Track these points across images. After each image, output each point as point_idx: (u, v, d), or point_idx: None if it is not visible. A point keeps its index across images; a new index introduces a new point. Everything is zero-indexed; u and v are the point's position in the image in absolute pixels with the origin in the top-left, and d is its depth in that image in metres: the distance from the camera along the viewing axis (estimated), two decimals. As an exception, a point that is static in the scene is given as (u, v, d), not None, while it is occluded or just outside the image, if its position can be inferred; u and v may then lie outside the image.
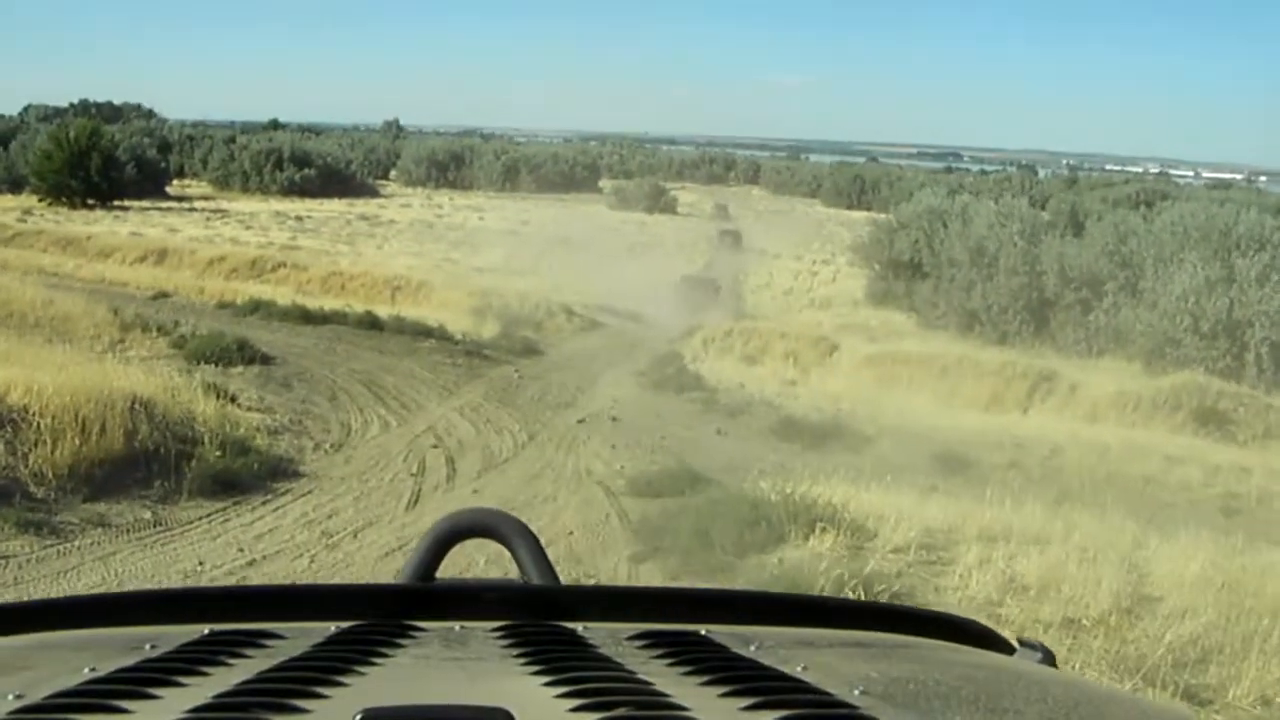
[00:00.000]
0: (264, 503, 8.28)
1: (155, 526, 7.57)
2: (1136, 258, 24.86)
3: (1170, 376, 20.73)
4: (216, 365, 13.70)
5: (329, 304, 20.47)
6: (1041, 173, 77.17)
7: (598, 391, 15.46)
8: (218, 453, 8.63)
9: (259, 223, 42.14)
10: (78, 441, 7.87)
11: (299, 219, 44.24)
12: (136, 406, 8.82)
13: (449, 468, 9.93)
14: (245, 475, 8.64)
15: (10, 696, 0.61)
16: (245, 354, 14.17)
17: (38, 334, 14.79)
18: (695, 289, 31.90)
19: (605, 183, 71.40)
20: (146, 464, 8.17)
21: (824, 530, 6.90)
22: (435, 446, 10.72)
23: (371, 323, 18.25)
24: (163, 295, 21.13)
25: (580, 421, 12.64)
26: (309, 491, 8.73)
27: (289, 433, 10.60)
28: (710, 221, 55.38)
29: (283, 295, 21.29)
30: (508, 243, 39.67)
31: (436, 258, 34.34)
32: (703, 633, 0.83)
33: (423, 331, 18.08)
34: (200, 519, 7.76)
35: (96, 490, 7.78)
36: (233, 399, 11.07)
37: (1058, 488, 11.82)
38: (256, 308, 19.05)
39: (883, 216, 42.58)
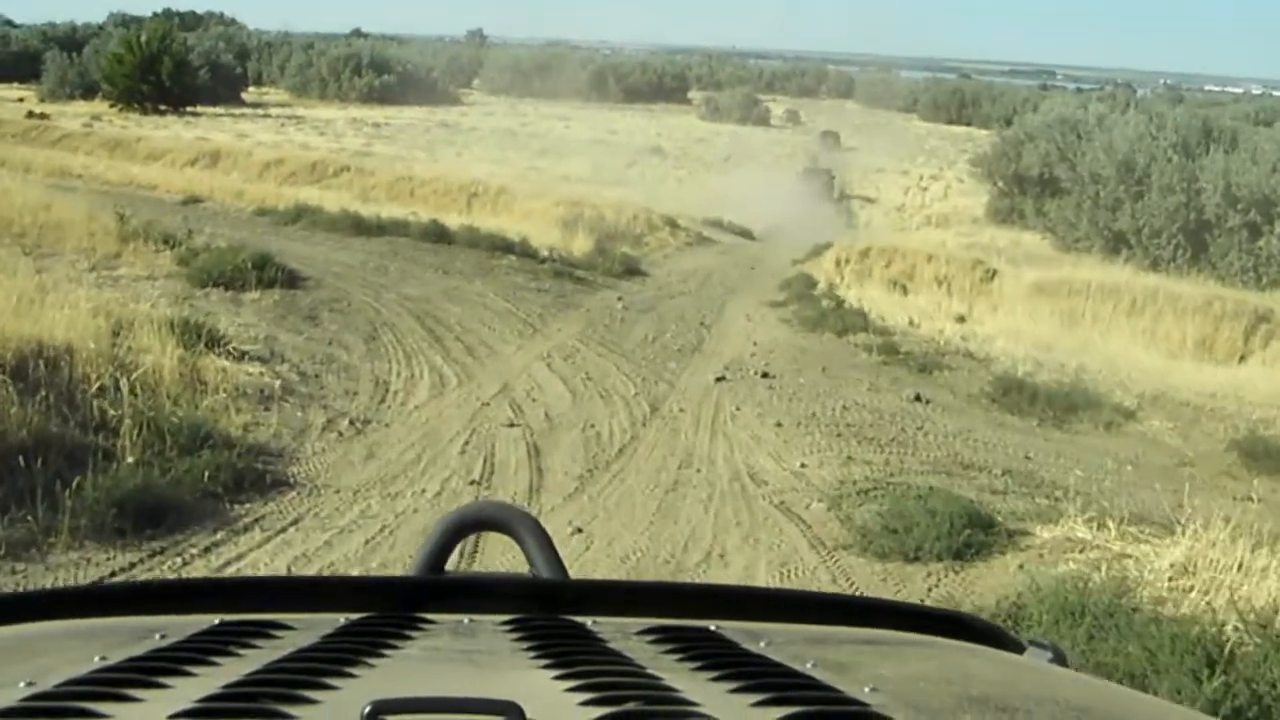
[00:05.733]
0: (206, 550, 4.61)
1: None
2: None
3: None
4: (227, 289, 10.25)
5: (391, 212, 16.87)
6: (1140, 91, 71.66)
7: (729, 329, 11.55)
8: (136, 455, 4.98)
9: (334, 129, 40.06)
10: None
11: (376, 125, 42.67)
12: (23, 368, 5.26)
13: (531, 467, 6.17)
14: (188, 491, 5.00)
15: (21, 684, 0.60)
16: (267, 274, 10.61)
17: (13, 246, 11.47)
18: (806, 201, 29.31)
19: (695, 94, 69.40)
20: (6, 477, 4.59)
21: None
22: (511, 425, 6.96)
23: (438, 234, 14.50)
24: (194, 200, 17.65)
25: (720, 379, 8.76)
26: (292, 523, 5.04)
27: (292, 399, 6.94)
28: (807, 133, 52.06)
29: (340, 202, 17.77)
30: (596, 152, 36.51)
31: (520, 166, 31.08)
32: (712, 629, 0.80)
33: (501, 246, 14.29)
34: (74, 593, 4.17)
35: (-107, 533, 4.24)
36: (217, 342, 7.45)
37: None
38: (299, 215, 15.43)
39: (986, 132, 39.15)
